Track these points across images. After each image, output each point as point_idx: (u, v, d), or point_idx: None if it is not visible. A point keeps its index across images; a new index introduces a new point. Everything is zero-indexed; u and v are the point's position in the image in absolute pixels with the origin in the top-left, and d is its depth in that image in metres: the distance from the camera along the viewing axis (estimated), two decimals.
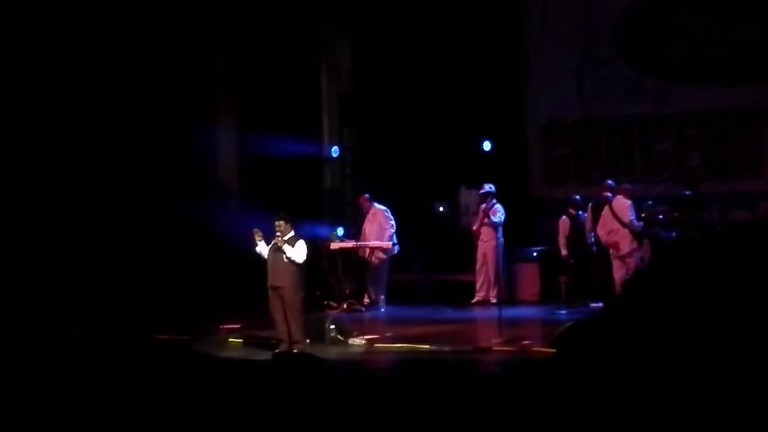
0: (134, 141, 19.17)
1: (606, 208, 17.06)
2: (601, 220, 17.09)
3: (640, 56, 19.84)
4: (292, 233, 13.69)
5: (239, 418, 8.82)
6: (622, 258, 16.86)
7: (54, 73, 17.59)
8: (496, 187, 18.76)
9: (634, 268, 16.57)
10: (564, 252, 17.90)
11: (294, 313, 13.55)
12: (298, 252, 13.63)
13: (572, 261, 17.79)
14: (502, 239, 18.53)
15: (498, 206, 18.67)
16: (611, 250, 17.01)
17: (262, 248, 13.75)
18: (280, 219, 13.65)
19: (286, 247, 13.61)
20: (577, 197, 18.22)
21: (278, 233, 13.62)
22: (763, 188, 18.57)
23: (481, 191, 18.83)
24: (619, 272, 16.87)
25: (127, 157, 19.00)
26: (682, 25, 19.36)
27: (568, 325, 13.47)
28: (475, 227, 18.95)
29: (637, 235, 16.78)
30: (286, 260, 13.55)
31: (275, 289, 13.65)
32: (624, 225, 16.79)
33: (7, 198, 17.06)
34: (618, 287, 16.78)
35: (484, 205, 18.80)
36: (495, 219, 18.59)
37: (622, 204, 16.92)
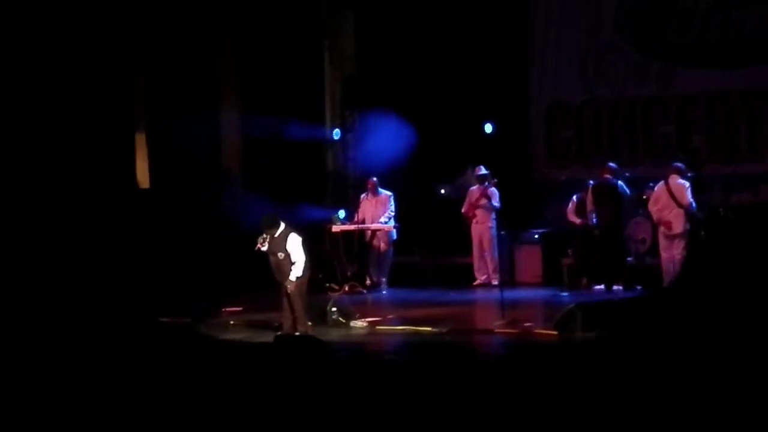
0: (136, 125, 19.18)
1: (662, 184, 16.92)
2: (654, 197, 17.02)
3: (644, 38, 19.81)
4: (281, 228, 13.53)
5: (242, 400, 8.86)
6: (671, 238, 16.81)
7: (54, 60, 17.58)
8: (499, 169, 18.78)
9: (683, 248, 16.61)
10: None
11: (297, 301, 13.52)
12: (297, 259, 13.48)
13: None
14: (495, 221, 18.59)
15: (494, 189, 18.68)
16: (662, 228, 16.93)
17: (264, 247, 13.65)
18: (262, 225, 13.52)
19: (293, 263, 13.48)
20: (591, 182, 18.14)
21: (266, 235, 13.49)
22: (765, 170, 18.54)
23: (479, 173, 18.83)
24: (665, 252, 16.84)
25: (129, 141, 19.01)
26: (686, 8, 19.34)
27: (569, 307, 13.58)
28: (464, 209, 18.94)
29: (691, 217, 16.73)
30: (281, 258, 13.45)
31: (279, 282, 13.63)
32: (680, 206, 16.74)
33: (11, 185, 17.09)
34: (665, 267, 16.79)
35: (477, 187, 18.81)
36: (496, 203, 18.61)
37: (681, 185, 16.82)
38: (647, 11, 19.73)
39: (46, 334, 12.87)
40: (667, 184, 16.90)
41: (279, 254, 13.40)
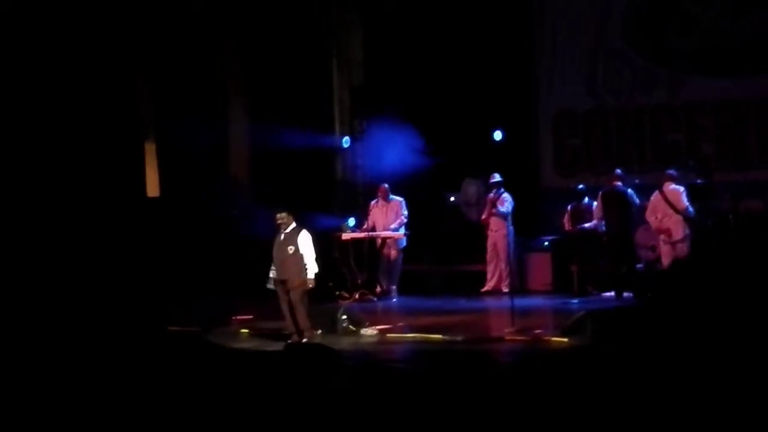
0: (146, 133, 19.19)
1: (657, 194, 17.04)
2: (651, 206, 17.13)
3: (651, 46, 19.83)
4: (294, 225, 13.70)
5: (253, 409, 8.85)
6: (673, 244, 16.86)
7: (64, 70, 17.59)
8: (507, 177, 18.79)
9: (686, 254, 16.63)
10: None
11: (299, 305, 13.58)
12: (308, 255, 13.61)
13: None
14: (512, 228, 18.56)
15: (506, 195, 18.68)
16: (663, 236, 17.00)
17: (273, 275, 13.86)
18: (281, 211, 13.69)
19: (299, 250, 13.61)
20: (580, 186, 18.32)
21: (280, 222, 13.69)
22: None
23: (491, 180, 18.84)
24: (667, 259, 16.88)
25: (139, 151, 19.03)
26: (694, 14, 19.34)
27: (579, 314, 13.55)
28: (483, 217, 18.95)
29: (689, 221, 16.78)
30: (290, 252, 13.56)
31: (282, 282, 13.70)
32: (677, 211, 16.78)
33: (20, 191, 17.10)
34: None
35: (491, 195, 18.82)
36: (502, 209, 18.60)
37: (675, 190, 16.90)
38: (654, 19, 19.75)
39: (55, 342, 12.89)
40: (662, 192, 16.97)
41: (289, 248, 13.55)
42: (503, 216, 18.60)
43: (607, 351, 12.32)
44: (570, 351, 12.88)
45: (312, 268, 13.60)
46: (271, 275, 13.86)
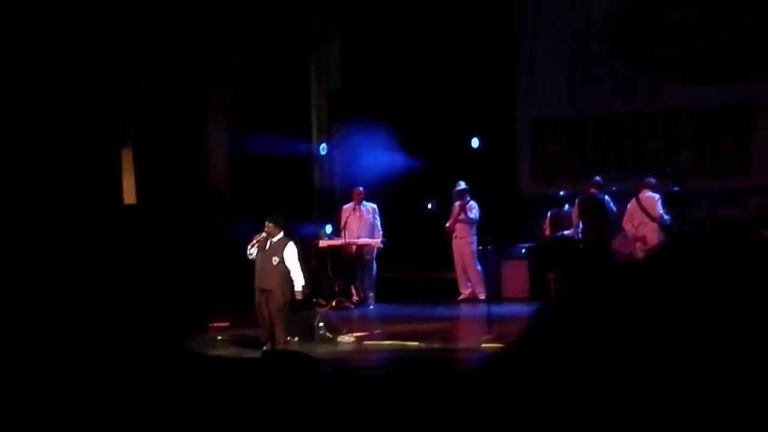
0: (124, 139, 19.16)
1: (633, 201, 17.11)
2: (627, 214, 17.18)
3: (631, 53, 19.87)
4: (280, 235, 13.60)
5: (230, 416, 8.83)
6: (648, 252, 16.89)
7: (42, 78, 17.56)
8: (485, 184, 18.82)
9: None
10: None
11: (279, 314, 13.53)
12: (296, 268, 13.59)
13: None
14: (476, 237, 18.58)
15: (473, 203, 18.70)
16: (638, 244, 17.05)
17: (254, 252, 13.69)
18: (270, 221, 13.59)
19: (284, 262, 13.57)
20: (561, 193, 18.39)
21: (265, 233, 13.58)
22: (752, 184, 18.63)
23: (458, 188, 18.85)
24: None
25: (116, 157, 18.99)
26: (673, 22, 19.40)
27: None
28: (448, 224, 18.95)
29: (665, 228, 16.83)
30: (275, 263, 13.50)
31: (263, 291, 13.62)
32: (653, 219, 16.85)
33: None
34: None
35: (458, 203, 18.83)
36: (472, 215, 18.63)
37: (650, 198, 16.97)
38: (634, 26, 19.80)
39: (30, 353, 12.81)
40: (638, 199, 17.03)
41: (274, 258, 13.46)
42: (470, 223, 18.64)
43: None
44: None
45: (299, 281, 13.54)
46: (253, 245, 13.73)
